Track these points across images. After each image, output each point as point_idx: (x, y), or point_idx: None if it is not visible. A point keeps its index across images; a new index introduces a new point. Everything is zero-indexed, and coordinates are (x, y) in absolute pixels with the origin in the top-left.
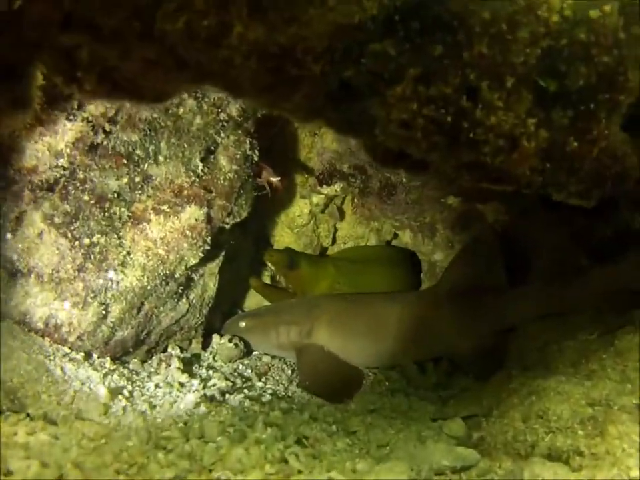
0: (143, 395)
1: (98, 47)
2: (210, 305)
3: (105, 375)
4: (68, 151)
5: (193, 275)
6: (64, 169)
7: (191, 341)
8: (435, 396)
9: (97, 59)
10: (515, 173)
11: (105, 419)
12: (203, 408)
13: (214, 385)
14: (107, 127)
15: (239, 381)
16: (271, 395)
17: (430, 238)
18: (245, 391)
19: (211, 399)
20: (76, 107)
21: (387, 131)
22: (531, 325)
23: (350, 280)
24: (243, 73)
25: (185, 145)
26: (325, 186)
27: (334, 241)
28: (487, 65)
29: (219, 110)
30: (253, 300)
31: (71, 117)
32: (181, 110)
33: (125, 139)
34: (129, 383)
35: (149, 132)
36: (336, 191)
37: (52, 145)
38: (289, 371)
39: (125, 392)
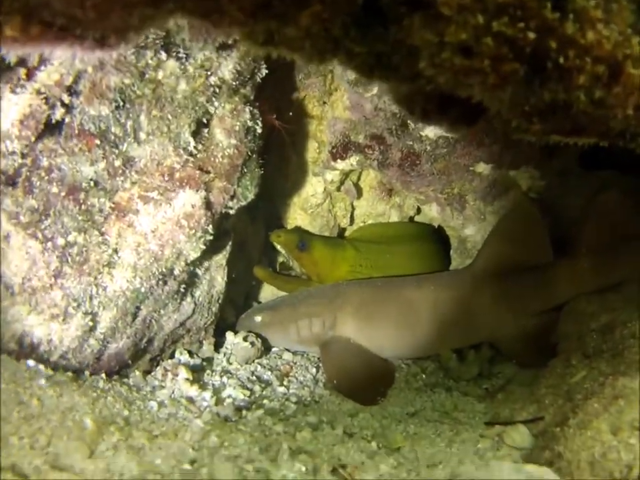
0: (142, 421)
1: None
2: (220, 301)
3: (96, 400)
4: (16, 131)
5: (197, 270)
6: (22, 155)
7: (201, 343)
8: (480, 389)
9: None
10: (611, 115)
11: (90, 464)
12: (213, 438)
13: (228, 397)
14: (66, 98)
15: (257, 388)
16: (295, 403)
17: (459, 211)
18: (265, 401)
19: (225, 419)
20: (24, 76)
21: (438, 60)
22: (583, 302)
23: (372, 262)
24: None
25: (170, 117)
26: (339, 160)
27: (352, 220)
28: None
29: (208, 72)
30: (268, 290)
31: (17, 90)
32: (160, 74)
33: (93, 113)
34: (126, 405)
35: (122, 103)
36: (352, 165)
37: None
38: (314, 369)
39: (119, 420)
